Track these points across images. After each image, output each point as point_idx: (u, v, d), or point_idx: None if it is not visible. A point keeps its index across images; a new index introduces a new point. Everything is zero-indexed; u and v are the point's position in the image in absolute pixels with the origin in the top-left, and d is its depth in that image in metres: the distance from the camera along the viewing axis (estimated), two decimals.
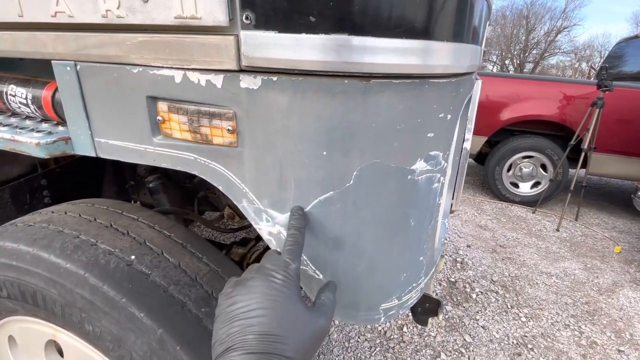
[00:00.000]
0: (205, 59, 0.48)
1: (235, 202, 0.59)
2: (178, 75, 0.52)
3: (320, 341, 0.49)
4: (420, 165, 0.55)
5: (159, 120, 0.57)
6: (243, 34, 0.46)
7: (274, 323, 0.43)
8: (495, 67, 26.57)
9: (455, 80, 0.54)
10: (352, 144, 0.50)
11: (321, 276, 0.60)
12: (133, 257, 0.75)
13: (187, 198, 1.53)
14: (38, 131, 0.68)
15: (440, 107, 0.53)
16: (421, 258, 0.65)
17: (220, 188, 0.58)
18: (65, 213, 0.85)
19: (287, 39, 0.44)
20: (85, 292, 0.70)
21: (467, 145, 1.07)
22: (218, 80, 0.50)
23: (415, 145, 0.53)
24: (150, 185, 1.39)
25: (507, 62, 26.60)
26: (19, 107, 0.73)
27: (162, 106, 0.55)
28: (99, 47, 0.54)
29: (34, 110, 0.70)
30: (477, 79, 1.06)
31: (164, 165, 0.60)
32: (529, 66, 25.97)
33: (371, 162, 0.51)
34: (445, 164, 0.60)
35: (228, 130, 0.52)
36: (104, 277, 0.70)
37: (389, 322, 1.98)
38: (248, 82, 0.49)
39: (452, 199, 1.10)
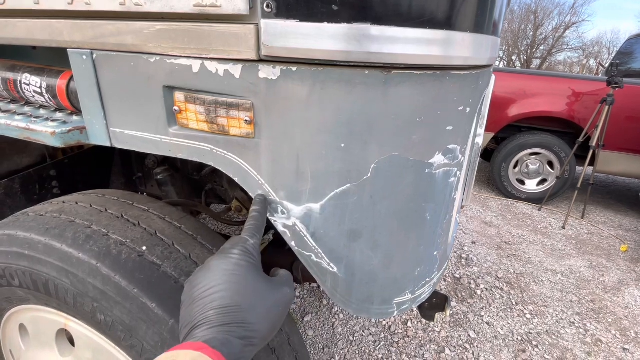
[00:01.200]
0: (224, 49, 0.48)
1: (250, 194, 0.58)
2: (196, 65, 0.51)
3: (286, 308, 0.50)
4: (438, 158, 0.54)
5: (175, 110, 0.56)
6: (263, 22, 0.45)
7: (235, 295, 0.45)
8: (502, 62, 26.29)
9: (475, 72, 0.53)
10: (371, 136, 0.49)
11: (335, 269, 0.60)
12: (144, 248, 0.76)
13: (194, 190, 1.54)
14: (52, 120, 0.67)
15: (460, 100, 0.53)
16: (435, 253, 0.64)
17: (236, 179, 0.58)
18: (77, 203, 0.85)
19: (308, 28, 0.43)
20: (98, 282, 0.70)
21: (479, 140, 1.06)
22: (236, 70, 0.49)
23: (434, 138, 0.52)
24: (159, 177, 1.39)
25: (514, 57, 26.32)
26: (33, 96, 0.72)
27: (179, 96, 0.55)
28: (116, 36, 0.54)
29: (48, 100, 0.70)
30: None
31: (179, 155, 0.60)
32: (536, 62, 25.69)
33: (389, 154, 0.51)
34: (462, 158, 0.60)
35: (245, 121, 0.52)
36: (115, 267, 0.70)
37: (393, 316, 1.98)
38: (267, 72, 0.48)
39: (463, 194, 1.10)
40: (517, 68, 22.81)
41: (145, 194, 1.64)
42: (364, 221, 0.55)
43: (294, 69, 0.47)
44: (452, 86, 0.50)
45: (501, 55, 26.48)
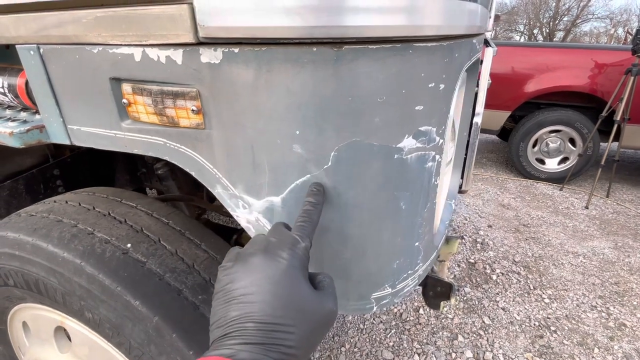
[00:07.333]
0: (162, 33, 0.44)
1: (209, 189, 0.55)
2: (137, 53, 0.48)
3: (328, 327, 0.44)
4: (408, 142, 0.49)
5: (124, 103, 0.53)
6: (197, 0, 0.41)
7: (277, 310, 0.39)
8: (522, 37, 25.00)
9: (447, 44, 0.47)
10: (326, 120, 0.45)
11: None
12: (129, 245, 0.75)
13: (196, 184, 1.53)
14: (14, 120, 0.66)
15: (430, 76, 0.47)
16: (417, 244, 0.60)
17: (192, 174, 0.55)
18: (66, 202, 0.86)
19: (244, 3, 0.39)
20: (83, 281, 0.70)
21: (478, 120, 0.99)
22: (177, 55, 0.46)
23: (400, 120, 0.47)
24: (159, 172, 1.39)
25: (535, 31, 24.98)
26: None
27: (127, 88, 0.52)
28: (58, 27, 0.51)
29: (12, 99, 0.69)
30: (493, 47, 0.97)
31: (135, 151, 0.57)
32: (559, 34, 24.28)
33: (350, 140, 0.46)
34: (441, 141, 0.54)
35: (193, 110, 0.48)
36: (99, 265, 0.70)
37: (405, 304, 1.95)
38: (209, 55, 0.44)
39: (462, 178, 1.03)
40: (535, 41, 21.63)
41: (153, 189, 1.65)
42: (329, 214, 0.51)
43: (236, 50, 0.42)
44: (417, 60, 0.45)
45: (522, 30, 25.21)
